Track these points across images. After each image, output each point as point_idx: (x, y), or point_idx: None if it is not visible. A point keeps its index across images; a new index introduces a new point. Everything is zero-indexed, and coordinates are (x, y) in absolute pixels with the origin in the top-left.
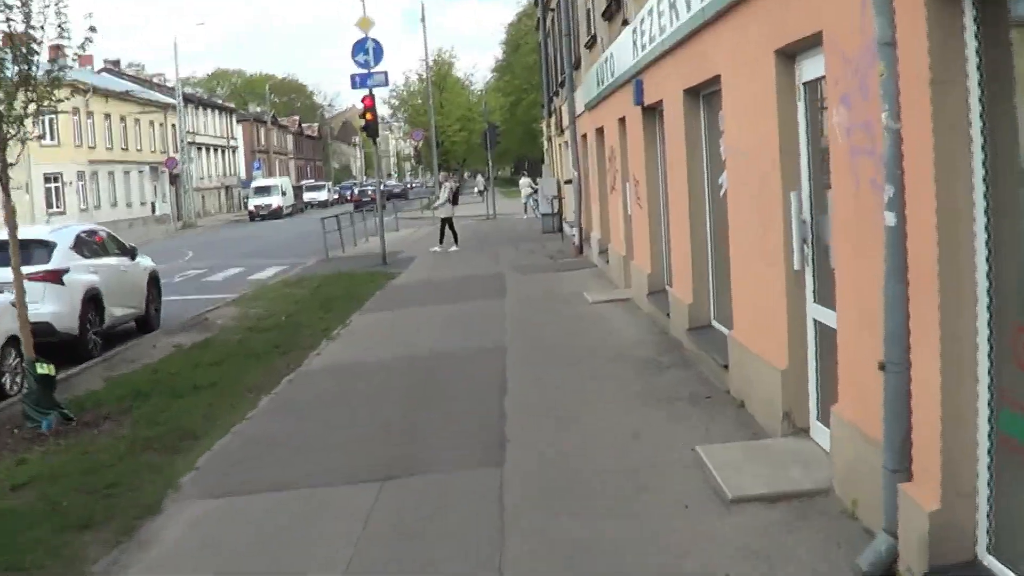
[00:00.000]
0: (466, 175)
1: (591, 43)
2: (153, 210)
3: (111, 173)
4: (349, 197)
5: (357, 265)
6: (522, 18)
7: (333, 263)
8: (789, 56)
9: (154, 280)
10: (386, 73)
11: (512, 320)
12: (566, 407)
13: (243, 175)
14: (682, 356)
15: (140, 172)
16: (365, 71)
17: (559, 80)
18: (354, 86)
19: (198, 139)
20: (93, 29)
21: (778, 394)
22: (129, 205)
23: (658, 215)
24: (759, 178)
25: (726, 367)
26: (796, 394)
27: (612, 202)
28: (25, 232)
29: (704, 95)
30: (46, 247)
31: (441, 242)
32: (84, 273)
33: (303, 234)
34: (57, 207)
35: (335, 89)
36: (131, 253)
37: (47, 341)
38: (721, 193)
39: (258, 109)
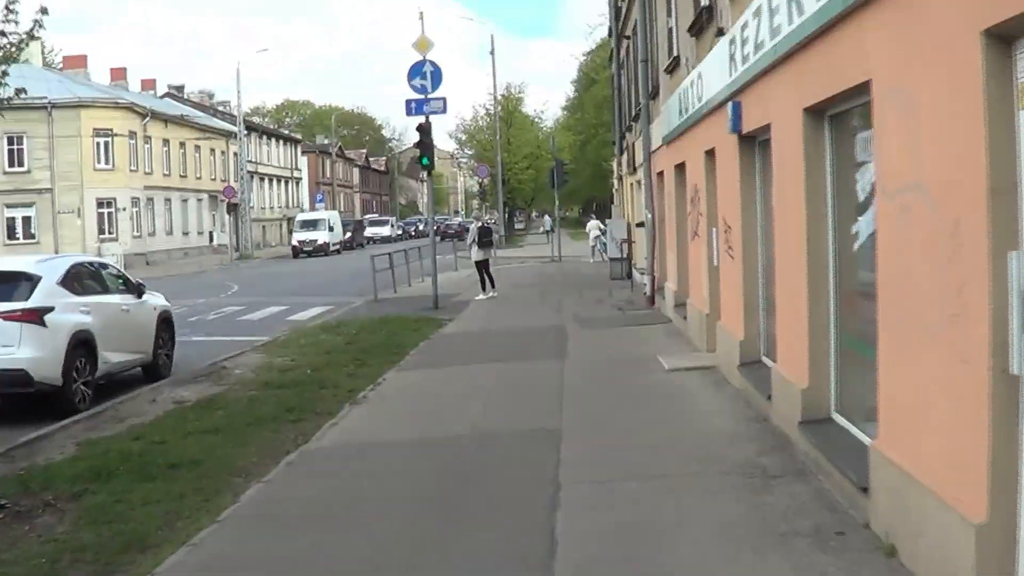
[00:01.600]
0: (533, 215)
1: (672, 66)
2: (211, 239)
3: (168, 200)
4: (413, 233)
5: (406, 308)
6: (595, 55)
7: (381, 305)
8: (1004, 39)
9: (165, 322)
10: (444, 99)
11: (571, 391)
12: (640, 545)
13: (306, 206)
14: (792, 459)
15: (199, 200)
16: (422, 96)
17: (633, 114)
18: (409, 112)
19: (261, 169)
20: (44, 11)
21: (969, 559)
22: (186, 234)
23: (755, 268)
24: (944, 227)
25: (865, 490)
26: (1000, 563)
27: (693, 250)
28: (5, 263)
29: (832, 115)
30: (29, 281)
31: (484, 289)
32: (73, 313)
33: (357, 272)
34: (110, 233)
35: (404, 123)
36: (137, 290)
37: (23, 392)
38: (857, 245)
39: (325, 141)
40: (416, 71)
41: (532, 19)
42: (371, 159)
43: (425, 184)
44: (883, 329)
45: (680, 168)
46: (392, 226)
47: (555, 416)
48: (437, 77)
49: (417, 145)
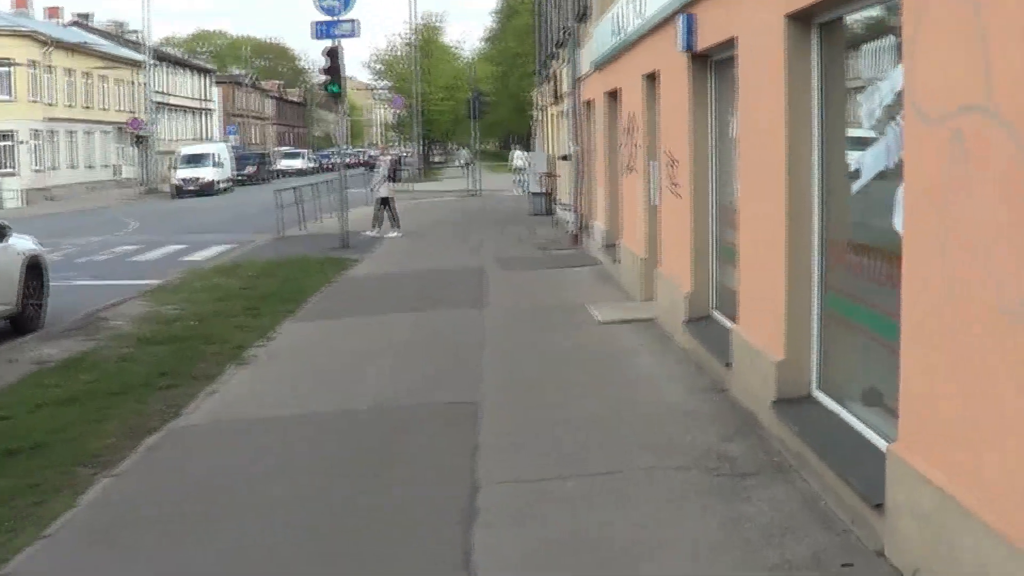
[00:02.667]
0: (452, 146)
1: None
2: (117, 173)
3: (72, 133)
4: (329, 166)
5: (314, 247)
6: None
7: (286, 243)
8: None
9: (34, 267)
10: (356, 22)
11: (492, 349)
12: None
13: (218, 138)
14: (765, 449)
15: (105, 132)
16: (331, 18)
17: (558, 40)
18: (317, 36)
19: (171, 100)
20: None
21: None
22: (91, 167)
23: (707, 209)
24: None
25: (878, 507)
26: None
27: (627, 186)
28: None
29: (824, 23)
30: None
31: (375, 225)
32: None
33: (266, 207)
34: (8, 167)
35: (319, 56)
36: None
37: None
38: (858, 184)
39: (239, 72)
40: None
41: None
42: (287, 91)
43: (339, 115)
44: (912, 301)
45: (613, 95)
46: (305, 158)
47: (473, 383)
48: None
49: (325, 71)
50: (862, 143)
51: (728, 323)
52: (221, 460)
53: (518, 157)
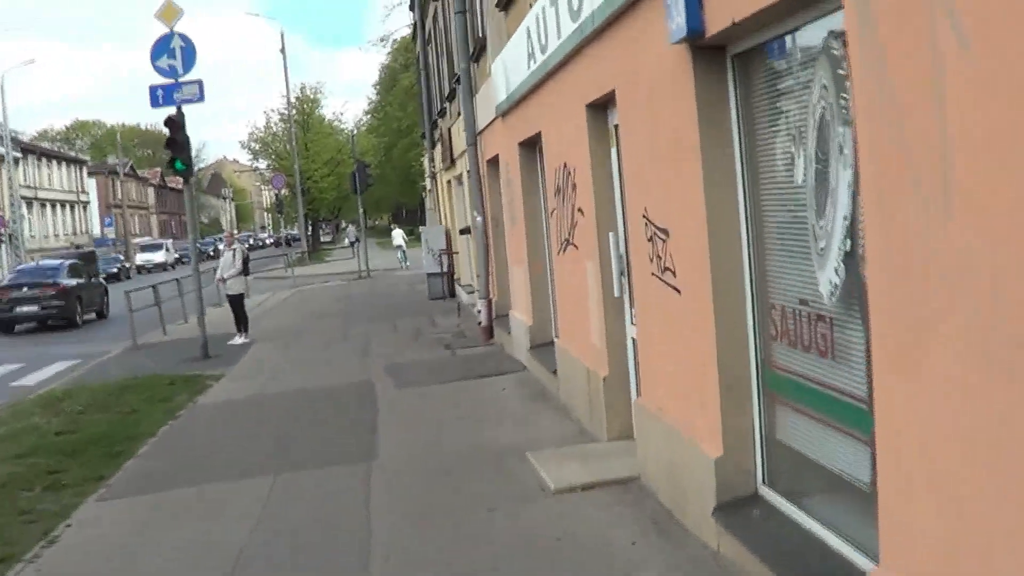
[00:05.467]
0: (342, 224)
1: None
2: None
3: None
4: (212, 253)
5: (169, 358)
6: (397, 54)
7: (140, 355)
8: None
9: None
10: (200, 82)
11: (383, 560)
12: None
13: (97, 232)
14: None
15: None
16: (171, 80)
17: (447, 93)
18: (155, 103)
19: (41, 194)
20: None
21: None
22: None
23: (740, 314)
24: None
25: None
26: None
27: (565, 267)
28: None
29: None
30: None
31: (242, 330)
32: None
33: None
34: None
35: (203, 140)
36: None
37: None
38: None
39: (115, 161)
40: (162, 49)
41: (340, 28)
42: (167, 178)
43: (189, 198)
44: None
45: (530, 145)
46: (168, 250)
47: None
48: (190, 54)
49: (167, 144)
50: None
51: (810, 523)
52: None
53: (398, 236)
